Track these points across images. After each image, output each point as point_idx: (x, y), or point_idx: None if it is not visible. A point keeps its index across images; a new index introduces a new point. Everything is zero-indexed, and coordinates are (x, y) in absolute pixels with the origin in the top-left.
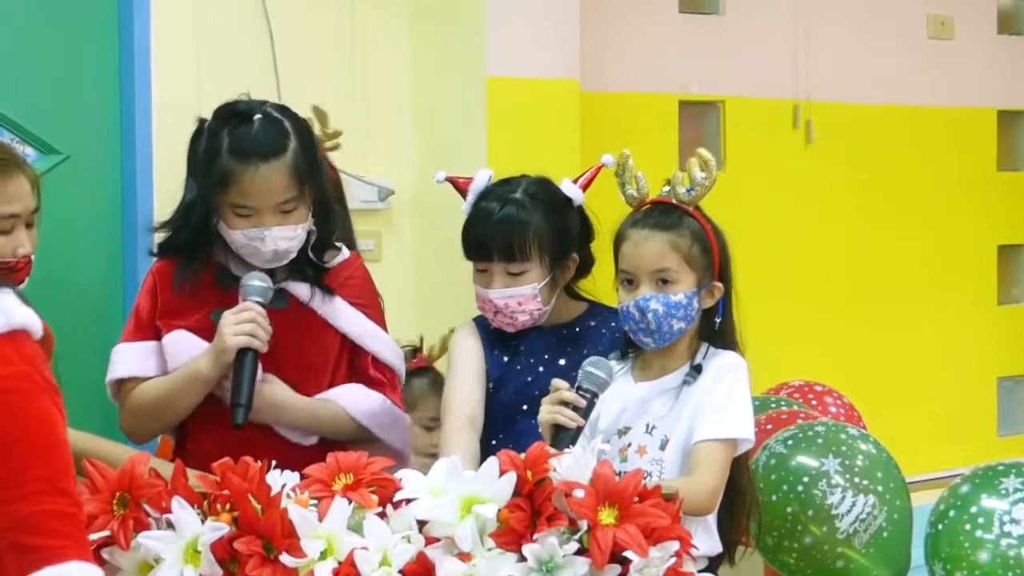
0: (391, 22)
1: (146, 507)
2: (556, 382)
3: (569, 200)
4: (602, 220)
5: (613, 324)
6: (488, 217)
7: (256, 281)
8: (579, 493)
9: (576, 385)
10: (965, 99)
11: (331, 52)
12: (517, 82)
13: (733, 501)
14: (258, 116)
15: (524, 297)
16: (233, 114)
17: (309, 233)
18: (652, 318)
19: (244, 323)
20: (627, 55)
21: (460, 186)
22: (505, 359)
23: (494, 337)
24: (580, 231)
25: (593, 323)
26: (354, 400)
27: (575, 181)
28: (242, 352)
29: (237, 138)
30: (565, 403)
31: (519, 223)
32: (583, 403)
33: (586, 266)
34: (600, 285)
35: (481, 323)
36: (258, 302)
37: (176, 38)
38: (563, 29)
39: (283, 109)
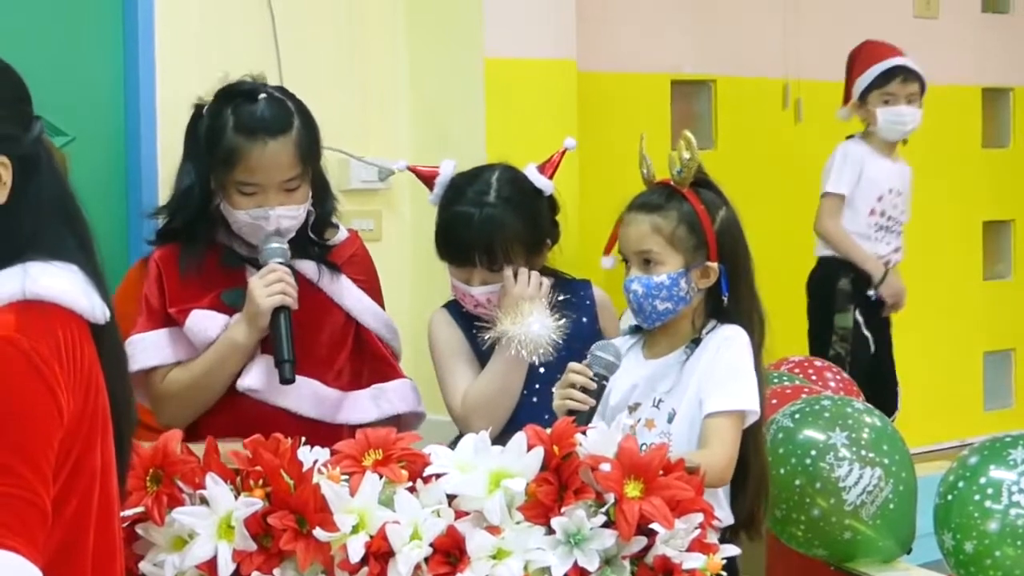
0: (390, 4)
1: (179, 483)
2: (572, 365)
3: (539, 191)
4: (604, 203)
5: (582, 292)
6: (467, 223)
7: (274, 244)
8: (605, 467)
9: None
10: (950, 77)
11: (331, 33)
12: (515, 63)
13: (743, 475)
14: (263, 95)
15: None
16: (237, 93)
17: (308, 213)
18: (633, 299)
19: (274, 284)
20: (621, 35)
21: (424, 176)
22: (482, 338)
23: (469, 320)
24: (549, 214)
25: (561, 296)
26: (403, 396)
27: (541, 167)
28: (276, 312)
29: (243, 115)
30: (577, 386)
31: (498, 229)
32: (593, 386)
33: (554, 240)
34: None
35: (454, 308)
36: (280, 263)
37: (179, 19)
38: (560, 10)
39: (283, 90)
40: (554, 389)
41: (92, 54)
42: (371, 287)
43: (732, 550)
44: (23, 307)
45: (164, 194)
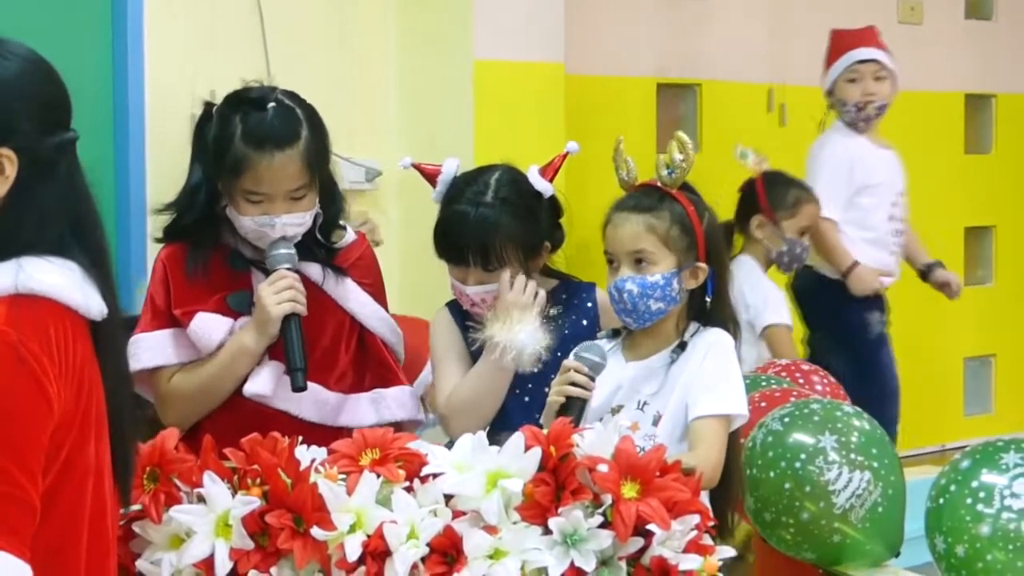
0: (380, 5)
1: (177, 481)
2: (567, 363)
3: (539, 193)
4: (590, 205)
5: (584, 295)
6: (462, 222)
7: (282, 249)
8: (603, 468)
9: None
10: (934, 83)
11: (320, 34)
12: (504, 65)
13: (724, 480)
14: (272, 104)
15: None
16: (246, 101)
17: (316, 216)
18: (628, 298)
19: (284, 291)
20: (609, 39)
21: (428, 174)
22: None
23: (469, 319)
24: (549, 217)
25: (564, 297)
26: (402, 403)
27: (542, 170)
28: (286, 319)
29: (251, 125)
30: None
31: (492, 229)
32: (594, 386)
33: (556, 244)
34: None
35: (455, 307)
36: (288, 268)
37: (168, 19)
38: (548, 13)
39: (294, 96)
40: (552, 384)
41: (81, 52)
42: (376, 290)
43: (727, 552)
44: (14, 301)
45: (152, 192)
